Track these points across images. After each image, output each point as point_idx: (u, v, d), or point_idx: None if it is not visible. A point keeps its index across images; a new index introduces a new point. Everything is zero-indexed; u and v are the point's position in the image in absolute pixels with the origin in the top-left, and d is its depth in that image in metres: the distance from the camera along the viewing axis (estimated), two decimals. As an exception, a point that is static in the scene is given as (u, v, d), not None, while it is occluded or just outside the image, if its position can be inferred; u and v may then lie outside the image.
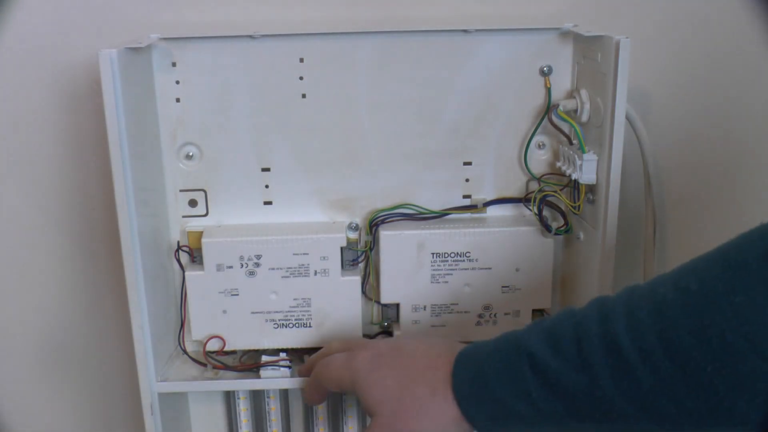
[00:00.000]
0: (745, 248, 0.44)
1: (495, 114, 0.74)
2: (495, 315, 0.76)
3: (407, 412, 0.57)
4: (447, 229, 0.74)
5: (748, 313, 0.42)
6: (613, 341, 0.47)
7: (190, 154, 0.74)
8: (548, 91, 0.73)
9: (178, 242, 0.76)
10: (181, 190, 0.75)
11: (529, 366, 0.51)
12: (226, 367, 0.76)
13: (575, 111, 0.70)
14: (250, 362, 0.77)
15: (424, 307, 0.76)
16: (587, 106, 0.70)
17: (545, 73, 0.73)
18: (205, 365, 0.75)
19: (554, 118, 0.72)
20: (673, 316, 0.45)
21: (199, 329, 0.75)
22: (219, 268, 0.73)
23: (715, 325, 0.43)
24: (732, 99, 0.80)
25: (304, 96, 0.73)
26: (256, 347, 0.76)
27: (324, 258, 0.73)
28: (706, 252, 0.47)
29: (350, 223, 0.76)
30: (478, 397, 0.54)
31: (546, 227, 0.74)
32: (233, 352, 0.77)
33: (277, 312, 0.75)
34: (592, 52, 0.68)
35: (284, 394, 0.82)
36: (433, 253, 0.74)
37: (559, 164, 0.73)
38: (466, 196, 0.77)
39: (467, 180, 0.76)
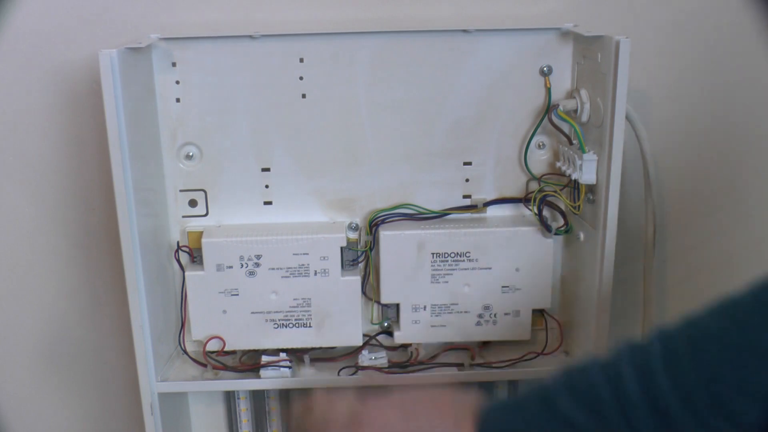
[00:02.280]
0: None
1: (495, 114, 0.74)
2: (495, 315, 0.76)
3: None
4: (447, 229, 0.74)
5: None
6: (660, 404, 0.46)
7: (190, 154, 0.74)
8: (548, 91, 0.73)
9: (178, 242, 0.76)
10: (181, 190, 0.75)
11: None
12: (226, 368, 0.76)
13: (575, 111, 0.70)
14: (250, 362, 0.77)
15: (424, 307, 0.76)
16: (587, 106, 0.69)
17: (545, 73, 0.73)
18: (205, 365, 0.75)
19: (554, 118, 0.72)
20: (722, 374, 0.44)
21: (199, 329, 0.75)
22: (219, 268, 0.73)
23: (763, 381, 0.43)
24: (732, 99, 0.80)
25: (304, 96, 0.73)
26: (256, 347, 0.76)
27: (324, 258, 0.73)
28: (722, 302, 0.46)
29: (350, 223, 0.76)
30: None
31: (546, 227, 0.74)
32: (233, 352, 0.77)
33: (277, 312, 0.75)
34: (592, 52, 0.68)
35: (284, 394, 0.82)
36: (433, 253, 0.74)
37: (559, 164, 0.73)
38: (466, 196, 0.77)
39: (467, 180, 0.76)
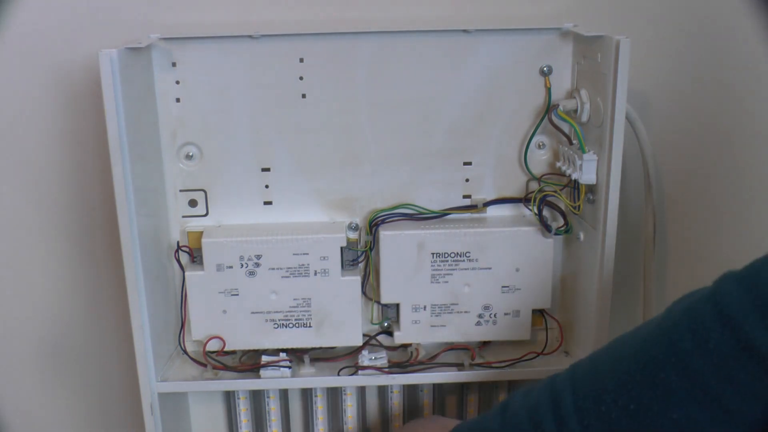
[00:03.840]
0: (663, 362, 0.46)
1: (495, 114, 0.74)
2: (495, 315, 0.76)
3: None
4: (447, 229, 0.74)
5: (687, 426, 0.45)
6: None
7: (190, 154, 0.74)
8: (548, 91, 0.73)
9: (178, 242, 0.76)
10: (181, 190, 0.75)
11: None
12: (226, 368, 0.76)
13: (575, 111, 0.70)
14: (250, 362, 0.77)
15: (424, 307, 0.76)
16: (587, 106, 0.70)
17: (545, 73, 0.73)
18: (205, 365, 0.75)
19: (554, 118, 0.72)
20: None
21: (199, 329, 0.75)
22: (219, 268, 0.73)
23: None
24: (732, 99, 0.80)
25: (304, 96, 0.73)
26: (256, 347, 0.76)
27: (324, 258, 0.73)
28: (626, 351, 0.49)
29: (350, 223, 0.76)
30: None
31: (546, 227, 0.74)
32: (233, 353, 0.77)
33: (277, 312, 0.75)
34: (592, 52, 0.68)
35: (284, 394, 0.82)
36: (433, 253, 0.74)
37: (559, 164, 0.73)
38: (466, 196, 0.77)
39: (467, 180, 0.76)
